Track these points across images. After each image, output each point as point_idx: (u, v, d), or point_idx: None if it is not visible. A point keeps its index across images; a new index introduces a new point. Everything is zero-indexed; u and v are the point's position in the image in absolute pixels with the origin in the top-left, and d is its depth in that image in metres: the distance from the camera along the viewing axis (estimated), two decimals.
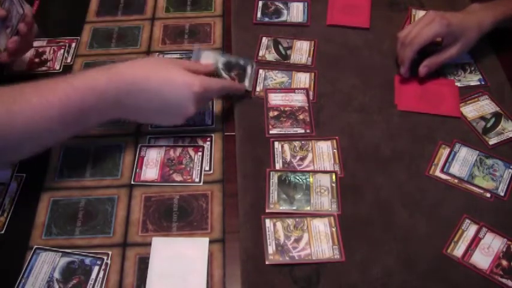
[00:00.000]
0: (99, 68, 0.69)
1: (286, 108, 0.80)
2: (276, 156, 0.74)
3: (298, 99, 0.81)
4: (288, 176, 0.72)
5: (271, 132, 0.77)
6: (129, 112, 0.70)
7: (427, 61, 0.82)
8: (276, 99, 0.82)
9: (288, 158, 0.74)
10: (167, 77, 0.69)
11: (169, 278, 0.63)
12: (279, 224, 0.67)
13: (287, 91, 0.83)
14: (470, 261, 0.64)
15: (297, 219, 0.68)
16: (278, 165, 0.73)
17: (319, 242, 0.66)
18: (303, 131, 0.77)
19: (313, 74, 0.85)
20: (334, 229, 0.67)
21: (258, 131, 0.78)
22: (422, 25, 0.81)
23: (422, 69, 0.82)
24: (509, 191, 0.71)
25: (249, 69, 0.81)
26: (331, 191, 0.71)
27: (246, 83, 0.81)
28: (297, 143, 0.76)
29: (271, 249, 0.65)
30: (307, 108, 0.80)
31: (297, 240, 0.66)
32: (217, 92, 0.77)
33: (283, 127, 0.78)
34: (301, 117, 0.79)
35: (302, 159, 0.74)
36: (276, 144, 0.76)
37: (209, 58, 0.80)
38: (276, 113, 0.80)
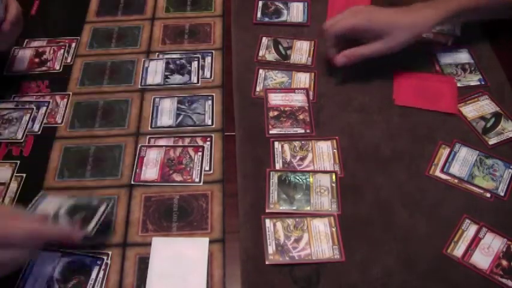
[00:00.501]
0: None
1: (286, 108, 0.80)
2: (276, 156, 0.74)
3: (298, 99, 0.81)
4: (288, 176, 0.72)
5: (271, 132, 0.77)
6: None
7: (347, 51, 0.80)
8: (276, 99, 0.81)
9: (288, 158, 0.74)
10: None
11: (169, 278, 0.63)
12: (279, 224, 0.67)
13: (287, 91, 0.83)
14: (470, 261, 0.64)
15: (297, 219, 0.68)
16: (278, 165, 0.73)
17: (319, 242, 0.66)
18: (303, 131, 0.77)
19: (313, 74, 0.85)
20: (334, 229, 0.67)
21: (258, 131, 0.78)
22: (344, 16, 0.79)
23: (340, 59, 0.80)
24: (509, 191, 0.71)
25: (100, 211, 0.65)
26: (331, 191, 0.71)
27: (90, 227, 0.63)
28: (297, 143, 0.76)
29: (271, 249, 0.65)
30: (307, 108, 0.80)
31: (297, 240, 0.66)
32: (23, 238, 0.55)
33: (283, 127, 0.78)
34: (301, 117, 0.79)
35: (302, 159, 0.74)
36: (276, 144, 0.76)
37: (51, 204, 0.66)
38: (276, 113, 0.80)
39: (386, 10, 0.79)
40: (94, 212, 0.65)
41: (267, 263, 0.64)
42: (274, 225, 0.67)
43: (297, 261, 0.64)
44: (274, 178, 0.72)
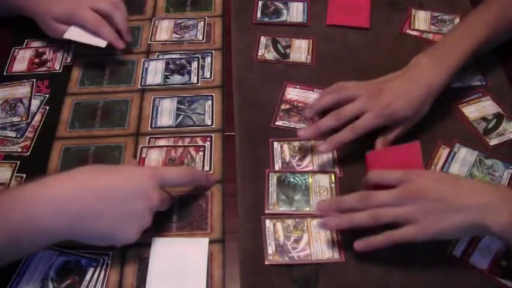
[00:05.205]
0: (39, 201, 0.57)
1: (299, 104, 0.81)
2: (275, 156, 0.75)
3: (314, 98, 0.81)
4: (287, 177, 0.72)
5: (277, 123, 0.78)
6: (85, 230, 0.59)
7: (382, 140, 0.73)
8: (292, 93, 0.82)
9: (287, 158, 0.74)
10: (121, 172, 0.62)
11: (169, 278, 0.63)
12: (278, 225, 0.67)
13: (306, 88, 0.83)
14: (469, 261, 0.64)
15: (297, 220, 0.68)
16: (277, 166, 0.74)
17: (319, 243, 0.66)
18: None
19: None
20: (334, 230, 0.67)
21: (258, 131, 0.78)
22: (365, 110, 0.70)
23: (379, 145, 0.73)
24: None
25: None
26: (330, 191, 0.71)
27: None
28: (296, 143, 0.76)
29: (270, 249, 0.65)
30: None
31: (297, 241, 0.66)
32: (175, 177, 0.65)
33: (290, 121, 0.79)
34: None
35: (301, 159, 0.74)
36: (275, 144, 0.76)
37: None
38: (288, 106, 0.81)
39: (396, 91, 0.72)
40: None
41: (266, 263, 0.64)
42: (274, 225, 0.67)
43: (297, 261, 0.64)
44: (273, 179, 0.72)
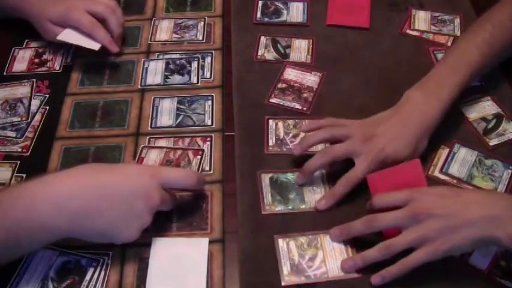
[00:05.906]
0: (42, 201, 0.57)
1: (296, 84, 0.83)
2: (269, 133, 0.76)
3: (311, 79, 0.84)
4: (278, 177, 0.72)
5: (271, 100, 0.81)
6: (86, 230, 0.60)
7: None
8: (291, 74, 0.85)
9: (281, 135, 0.76)
10: (122, 171, 0.62)
11: (169, 278, 0.63)
12: (292, 243, 0.66)
13: (305, 69, 0.85)
14: (469, 262, 0.64)
15: (310, 237, 0.66)
16: (271, 142, 0.75)
17: (334, 259, 0.64)
18: (300, 107, 0.80)
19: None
20: (348, 245, 0.65)
21: (257, 130, 0.78)
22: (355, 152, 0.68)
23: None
24: (508, 192, 0.71)
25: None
26: (323, 186, 0.71)
27: None
28: (290, 121, 0.78)
29: (286, 269, 0.63)
30: (314, 89, 0.82)
31: (312, 259, 0.64)
32: (177, 179, 0.65)
33: (284, 99, 0.80)
34: (304, 95, 0.81)
35: (295, 136, 0.76)
36: (271, 121, 0.77)
37: None
38: (284, 85, 0.83)
39: (395, 131, 0.70)
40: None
41: (283, 284, 0.62)
42: (288, 244, 0.66)
43: (313, 280, 0.62)
44: (265, 180, 0.71)
